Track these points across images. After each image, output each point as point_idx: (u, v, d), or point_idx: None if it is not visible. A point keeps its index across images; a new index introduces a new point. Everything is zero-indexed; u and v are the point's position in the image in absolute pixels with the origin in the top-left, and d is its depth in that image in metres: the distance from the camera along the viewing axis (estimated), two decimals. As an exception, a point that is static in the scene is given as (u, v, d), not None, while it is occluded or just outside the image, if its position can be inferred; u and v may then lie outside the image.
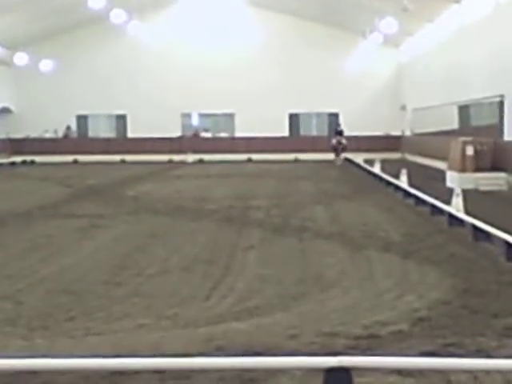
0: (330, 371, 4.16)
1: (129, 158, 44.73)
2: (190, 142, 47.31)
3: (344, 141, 40.29)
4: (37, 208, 19.74)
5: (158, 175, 34.11)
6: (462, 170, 24.05)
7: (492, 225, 12.65)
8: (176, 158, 44.75)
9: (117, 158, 44.70)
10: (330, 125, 49.10)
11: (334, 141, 40.81)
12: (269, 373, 5.72)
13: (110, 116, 49.89)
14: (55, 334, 7.67)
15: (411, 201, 19.66)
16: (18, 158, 44.92)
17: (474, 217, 13.79)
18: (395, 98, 47.38)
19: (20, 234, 15.09)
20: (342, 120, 45.56)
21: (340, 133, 41.09)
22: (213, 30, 48.20)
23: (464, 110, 34.22)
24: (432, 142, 36.34)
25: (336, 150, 40.47)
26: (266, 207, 19.51)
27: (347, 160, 39.43)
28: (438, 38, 37.67)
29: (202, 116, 50.02)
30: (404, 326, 7.63)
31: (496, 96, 28.02)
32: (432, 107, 38.38)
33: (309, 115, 49.72)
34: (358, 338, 7.24)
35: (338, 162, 39.65)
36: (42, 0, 37.93)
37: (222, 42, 48.28)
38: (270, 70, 47.73)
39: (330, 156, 40.77)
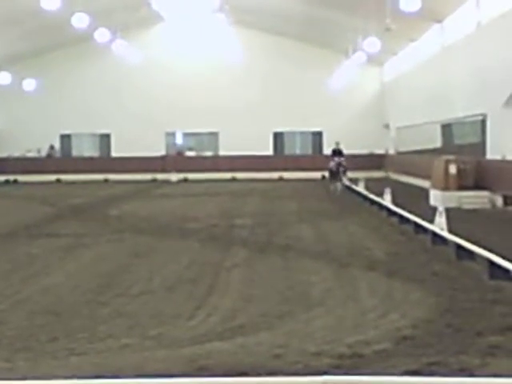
0: (315, 391, 4.16)
1: (112, 177, 44.67)
2: (174, 160, 47.29)
3: (345, 162, 32.82)
4: (20, 227, 19.65)
5: (141, 194, 34.03)
6: (445, 188, 24.19)
7: (475, 243, 12.71)
8: (160, 176, 44.75)
9: (100, 177, 44.64)
10: (313, 143, 49.28)
11: (332, 163, 33.09)
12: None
13: (93, 135, 49.72)
14: (38, 355, 7.60)
15: (395, 219, 19.73)
16: (1, 178, 44.75)
17: (458, 235, 13.84)
18: (379, 117, 47.58)
19: (2, 254, 14.99)
20: (325, 137, 45.32)
21: (339, 153, 33.33)
22: (196, 49, 48.28)
23: (447, 128, 34.41)
24: (415, 161, 36.50)
25: (335, 173, 32.93)
26: (250, 226, 19.52)
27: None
28: (421, 57, 37.96)
29: (186, 135, 50.01)
30: (388, 345, 7.63)
31: (478, 115, 28.21)
32: (415, 126, 38.58)
33: (293, 134, 49.81)
34: (342, 357, 7.22)
35: (338, 189, 32.14)
36: (26, 20, 37.83)
37: (205, 61, 48.30)
38: (254, 89, 47.86)
39: (315, 175, 40.14)
